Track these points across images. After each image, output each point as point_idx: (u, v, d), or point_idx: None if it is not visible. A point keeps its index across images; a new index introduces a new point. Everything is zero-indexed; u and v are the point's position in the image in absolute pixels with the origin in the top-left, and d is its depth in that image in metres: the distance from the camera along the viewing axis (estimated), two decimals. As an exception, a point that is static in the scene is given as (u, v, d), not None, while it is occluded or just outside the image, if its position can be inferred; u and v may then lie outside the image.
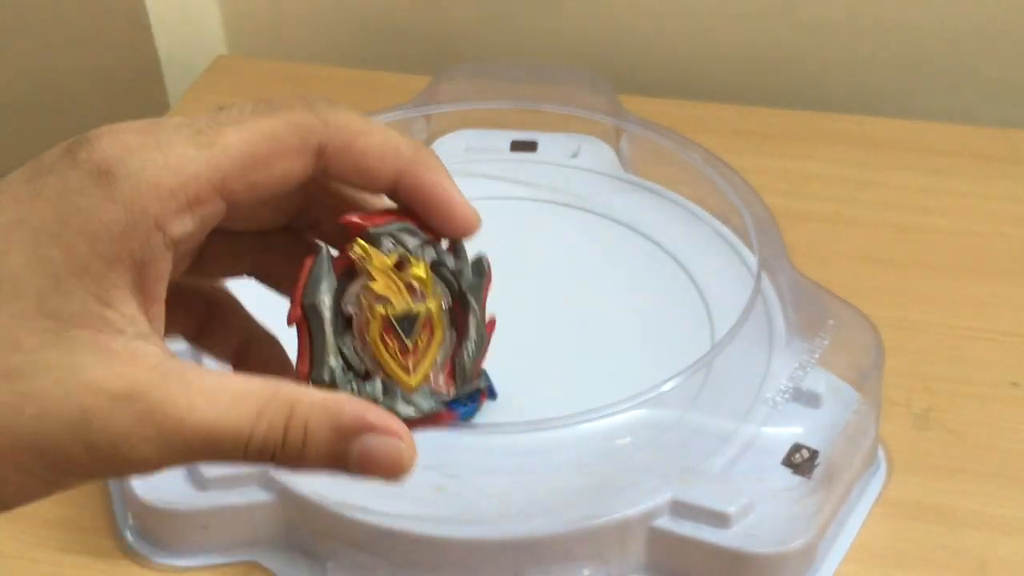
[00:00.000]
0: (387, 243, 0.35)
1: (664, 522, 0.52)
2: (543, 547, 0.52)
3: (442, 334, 0.36)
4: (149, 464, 0.31)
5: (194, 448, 0.31)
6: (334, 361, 0.34)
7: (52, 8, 0.94)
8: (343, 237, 0.35)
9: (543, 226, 0.71)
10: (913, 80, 0.91)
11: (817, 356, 0.58)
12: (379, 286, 0.35)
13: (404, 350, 0.35)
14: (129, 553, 0.55)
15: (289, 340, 0.36)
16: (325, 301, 0.34)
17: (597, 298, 0.66)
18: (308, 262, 0.34)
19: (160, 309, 0.33)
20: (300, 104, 0.33)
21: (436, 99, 0.76)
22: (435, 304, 0.36)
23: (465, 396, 0.57)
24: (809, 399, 0.57)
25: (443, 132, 0.77)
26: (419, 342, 0.35)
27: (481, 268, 0.36)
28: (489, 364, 0.59)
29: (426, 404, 0.36)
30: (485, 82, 0.77)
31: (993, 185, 0.79)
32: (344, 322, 0.35)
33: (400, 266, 0.35)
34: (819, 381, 0.57)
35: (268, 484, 0.54)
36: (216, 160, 0.32)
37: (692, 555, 0.52)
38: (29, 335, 0.30)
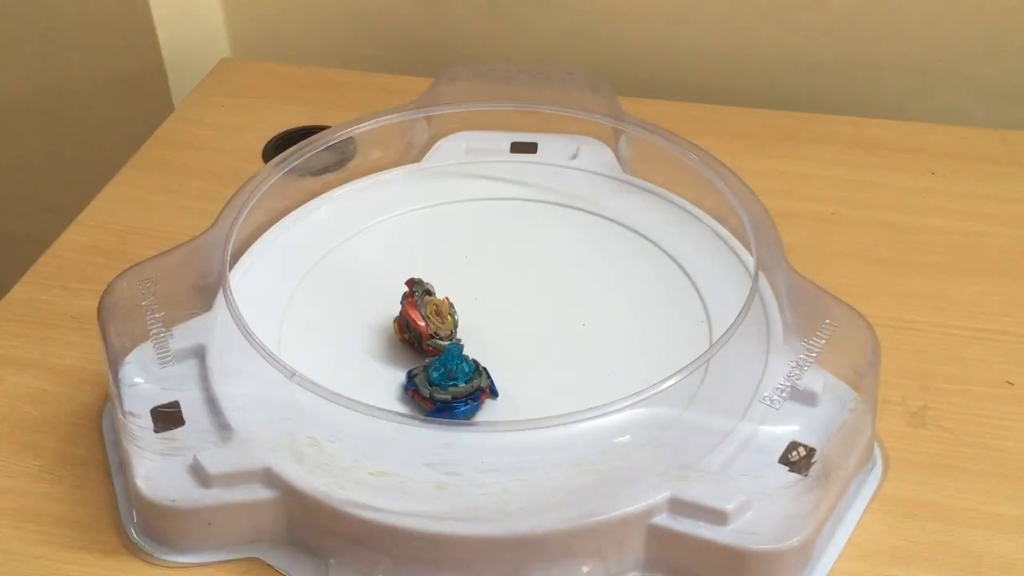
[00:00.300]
0: None
1: (663, 519, 0.53)
2: (543, 544, 0.52)
3: None
4: None
5: None
6: None
7: (56, 11, 0.95)
8: None
9: (543, 227, 0.71)
10: (909, 82, 0.91)
11: (814, 355, 0.58)
12: None
13: None
14: (133, 550, 0.55)
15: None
16: None
17: (596, 298, 0.66)
18: None
19: None
20: None
21: (437, 101, 0.76)
22: None
23: (466, 395, 0.58)
24: (806, 398, 0.57)
25: (444, 133, 0.78)
26: None
27: None
28: (490, 363, 0.59)
29: None
30: (486, 84, 0.77)
31: (988, 186, 0.79)
32: None
33: None
34: (816, 380, 0.57)
35: (271, 482, 0.54)
36: None
37: (690, 552, 0.52)
38: None
